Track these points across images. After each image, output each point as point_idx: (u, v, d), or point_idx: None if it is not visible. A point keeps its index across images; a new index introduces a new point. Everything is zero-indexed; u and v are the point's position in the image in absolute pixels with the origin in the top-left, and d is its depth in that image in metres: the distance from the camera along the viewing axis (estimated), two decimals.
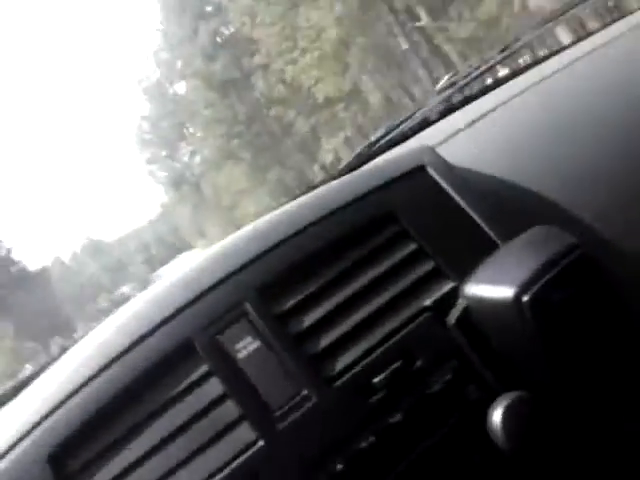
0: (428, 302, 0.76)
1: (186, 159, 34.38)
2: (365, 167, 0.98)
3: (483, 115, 1.00)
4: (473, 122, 0.99)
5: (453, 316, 0.74)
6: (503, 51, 1.29)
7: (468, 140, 0.96)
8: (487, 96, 1.09)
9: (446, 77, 1.33)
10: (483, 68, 1.28)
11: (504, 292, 0.69)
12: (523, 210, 0.83)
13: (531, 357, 0.70)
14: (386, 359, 0.74)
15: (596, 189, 0.84)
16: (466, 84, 1.27)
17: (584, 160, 0.87)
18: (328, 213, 0.81)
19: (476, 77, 1.27)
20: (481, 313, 0.72)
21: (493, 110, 1.00)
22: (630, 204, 0.82)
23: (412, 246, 0.80)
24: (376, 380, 0.72)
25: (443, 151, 0.89)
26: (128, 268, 63.41)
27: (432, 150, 0.89)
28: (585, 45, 1.10)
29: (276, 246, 0.78)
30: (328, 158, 20.92)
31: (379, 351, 0.74)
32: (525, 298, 0.67)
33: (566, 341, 0.68)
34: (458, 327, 0.73)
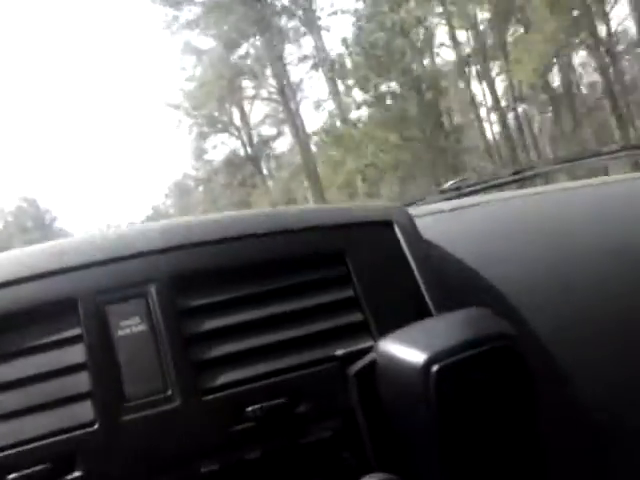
0: (340, 352, 0.70)
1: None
2: (340, 205, 0.95)
3: (470, 206, 0.97)
4: (457, 209, 0.96)
5: (356, 367, 0.66)
6: (515, 174, 1.28)
7: (446, 221, 0.93)
8: (482, 194, 1.07)
9: (452, 181, 1.32)
10: (489, 183, 1.27)
11: (415, 356, 0.62)
12: (471, 291, 0.78)
13: (423, 436, 0.62)
14: (272, 392, 0.66)
15: (550, 292, 0.80)
16: (469, 192, 1.25)
17: (547, 265, 0.83)
18: (276, 232, 0.76)
19: (480, 190, 1.26)
20: (387, 374, 0.65)
21: (480, 204, 0.98)
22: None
23: (348, 292, 0.74)
24: (250, 409, 0.65)
25: (418, 221, 0.86)
26: None
27: (407, 212, 0.85)
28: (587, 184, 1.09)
29: (210, 243, 0.73)
30: None
31: (267, 382, 0.67)
32: (434, 368, 0.60)
33: (464, 426, 0.60)
34: (357, 379, 0.66)
